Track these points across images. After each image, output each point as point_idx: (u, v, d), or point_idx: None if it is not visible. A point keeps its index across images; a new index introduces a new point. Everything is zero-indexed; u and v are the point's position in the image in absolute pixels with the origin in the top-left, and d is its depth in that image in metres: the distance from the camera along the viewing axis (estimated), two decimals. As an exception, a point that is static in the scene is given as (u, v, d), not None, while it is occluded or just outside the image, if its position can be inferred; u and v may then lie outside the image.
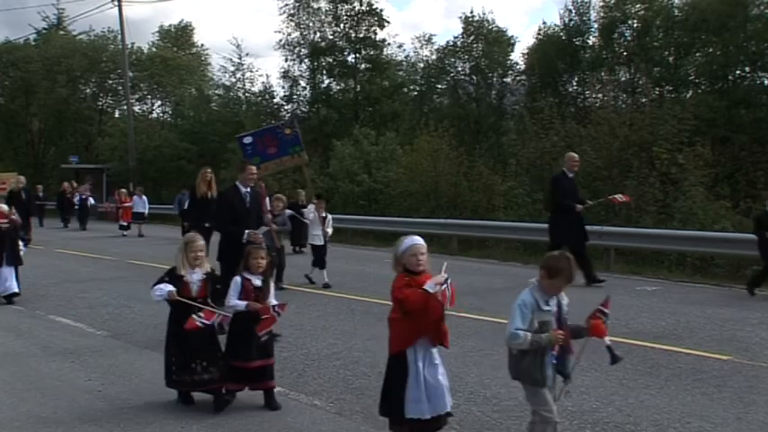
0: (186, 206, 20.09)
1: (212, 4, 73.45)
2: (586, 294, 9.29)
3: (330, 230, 11.88)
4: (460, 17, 32.52)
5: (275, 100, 32.76)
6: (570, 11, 28.11)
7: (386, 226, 19.16)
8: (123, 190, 24.58)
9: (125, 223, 22.83)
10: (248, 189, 7.92)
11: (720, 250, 12.80)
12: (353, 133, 25.25)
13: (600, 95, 23.03)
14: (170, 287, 5.30)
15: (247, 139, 10.25)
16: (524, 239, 16.44)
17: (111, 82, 41.19)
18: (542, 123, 19.88)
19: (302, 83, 32.37)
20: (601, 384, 5.90)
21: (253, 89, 33.61)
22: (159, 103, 42.69)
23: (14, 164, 39.23)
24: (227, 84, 35.00)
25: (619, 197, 12.78)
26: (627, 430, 4.91)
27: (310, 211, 11.79)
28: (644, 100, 21.34)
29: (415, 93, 33.17)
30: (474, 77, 31.66)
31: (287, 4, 31.65)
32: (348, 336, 7.83)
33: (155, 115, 42.16)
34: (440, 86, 32.80)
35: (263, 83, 33.85)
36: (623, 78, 26.99)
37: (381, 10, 30.72)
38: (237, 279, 5.40)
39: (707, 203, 16.12)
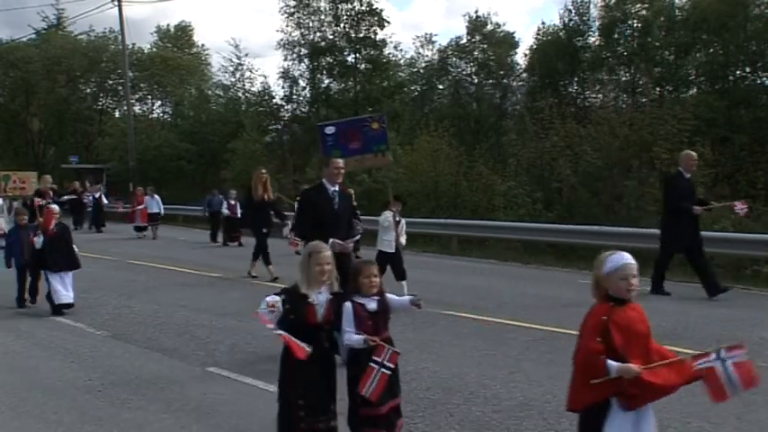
0: (221, 208, 19.42)
1: (213, 3, 73.47)
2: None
3: (404, 238, 10.40)
4: (464, 16, 32.58)
5: (275, 100, 32.75)
6: (570, 11, 28.11)
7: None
8: (140, 189, 22.82)
9: (142, 224, 21.60)
10: (336, 188, 6.72)
11: (720, 250, 12.79)
12: (353, 133, 25.21)
13: (601, 96, 23.02)
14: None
15: (329, 129, 9.14)
16: (524, 239, 16.44)
17: (111, 82, 41.17)
18: (542, 123, 19.87)
19: (302, 83, 32.39)
20: (601, 384, 5.89)
21: (252, 89, 33.62)
22: (159, 103, 42.71)
23: (14, 164, 39.21)
24: (227, 84, 35.01)
25: (738, 206, 11.22)
26: (627, 430, 4.90)
27: (388, 215, 10.16)
28: (644, 100, 21.34)
29: (416, 93, 33.16)
30: (475, 77, 31.65)
31: (287, 4, 31.69)
32: (348, 336, 7.81)
33: (155, 115, 42.16)
34: (440, 87, 32.79)
35: (261, 83, 33.76)
36: (624, 78, 26.98)
37: (381, 10, 30.73)
38: (348, 306, 4.23)
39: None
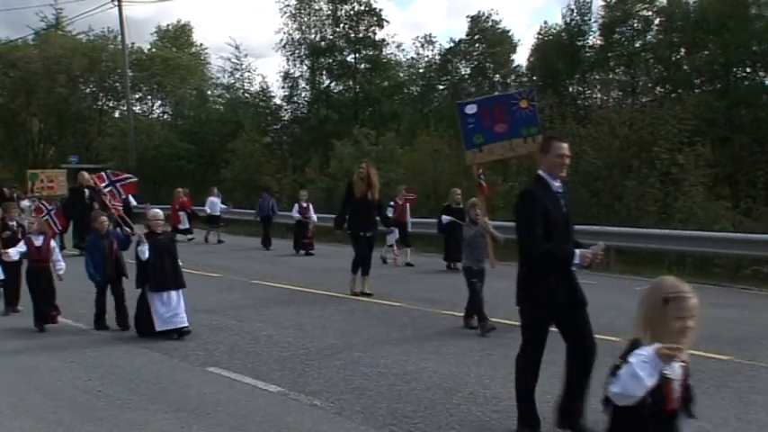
0: (271, 211, 18.21)
1: (213, 3, 73.44)
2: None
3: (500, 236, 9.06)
4: (468, 17, 32.54)
5: (275, 100, 32.78)
6: (572, 10, 28.10)
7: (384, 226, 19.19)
8: (181, 190, 20.87)
9: (188, 227, 19.63)
10: (559, 183, 4.80)
11: (720, 250, 12.80)
12: (353, 133, 25.24)
13: (601, 96, 23.01)
14: None
15: (470, 108, 7.59)
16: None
17: (111, 82, 41.19)
18: (542, 123, 19.84)
19: (302, 83, 32.40)
20: (601, 384, 5.88)
21: (251, 89, 33.62)
22: (159, 103, 42.73)
23: (14, 164, 39.27)
24: (226, 84, 35.02)
25: None
26: (627, 430, 4.90)
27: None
28: (644, 100, 21.34)
29: (416, 93, 33.15)
30: (475, 78, 31.63)
31: (287, 5, 31.71)
32: (348, 336, 7.82)
33: (155, 115, 42.17)
34: (441, 87, 32.78)
35: (261, 83, 33.78)
36: (624, 78, 26.98)
37: (381, 10, 30.75)
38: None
39: (707, 203, 16.12)
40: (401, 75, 32.96)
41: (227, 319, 8.76)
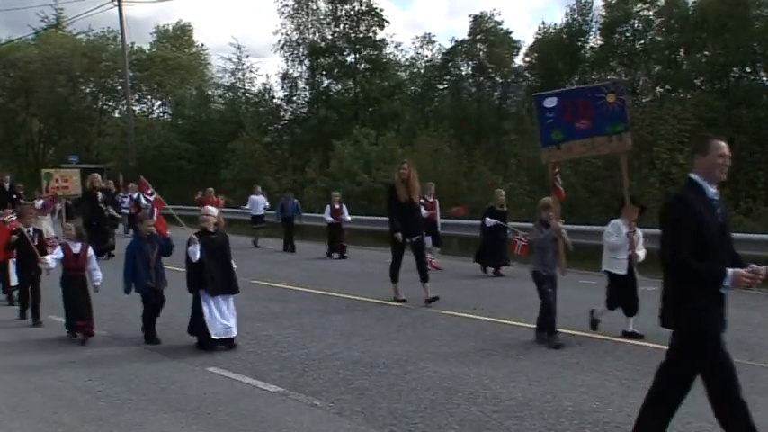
0: (294, 212, 17.33)
1: (214, 3, 73.46)
2: None
3: (642, 253, 7.44)
4: (470, 16, 32.54)
5: (275, 100, 32.78)
6: (574, 10, 28.09)
7: (386, 226, 19.07)
8: (211, 189, 19.67)
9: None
10: (715, 190, 4.17)
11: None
12: (353, 133, 25.25)
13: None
14: None
15: (550, 102, 6.97)
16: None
17: (111, 82, 41.20)
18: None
19: (301, 83, 32.41)
20: (601, 384, 5.90)
21: (252, 89, 33.64)
22: (159, 102, 42.73)
23: (14, 164, 39.24)
24: (227, 84, 35.04)
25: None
26: (627, 430, 4.90)
27: (619, 227, 7.58)
28: (644, 100, 21.34)
29: (416, 93, 33.16)
30: (477, 78, 31.63)
31: (286, 5, 31.71)
32: (348, 336, 7.83)
33: (155, 115, 42.18)
34: (441, 87, 32.78)
35: (262, 83, 33.84)
36: (624, 78, 26.97)
37: (381, 10, 30.74)
38: None
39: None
40: (401, 74, 32.98)
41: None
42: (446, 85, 32.06)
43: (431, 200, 13.70)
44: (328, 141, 27.03)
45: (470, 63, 31.19)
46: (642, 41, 26.39)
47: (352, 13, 30.68)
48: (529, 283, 11.68)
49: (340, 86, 31.97)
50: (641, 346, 7.07)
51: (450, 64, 31.46)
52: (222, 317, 7.17)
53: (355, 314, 9.13)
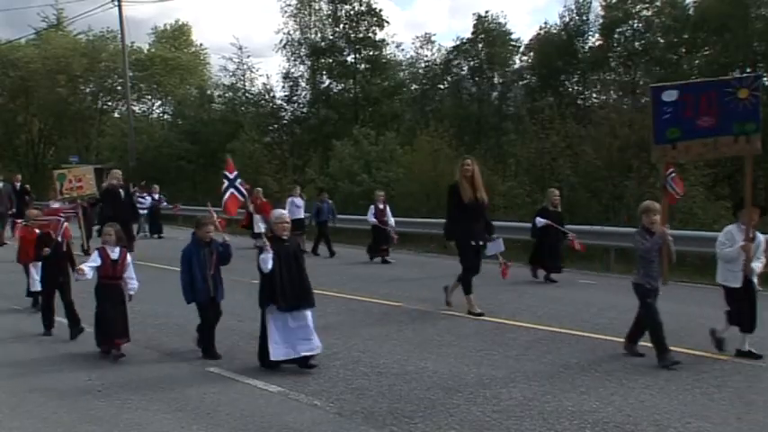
0: (329, 215, 15.87)
1: (215, 3, 73.46)
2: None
3: (760, 264, 6.73)
4: (474, 14, 32.57)
5: (275, 100, 32.79)
6: (571, 10, 28.09)
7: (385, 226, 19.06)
8: (259, 189, 18.56)
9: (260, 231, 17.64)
10: None
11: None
12: (353, 133, 25.26)
13: (603, 97, 23.03)
14: None
15: (669, 95, 6.24)
16: (524, 239, 16.41)
17: (111, 82, 41.21)
18: (542, 123, 19.90)
19: (302, 83, 32.42)
20: (601, 384, 5.90)
21: (252, 89, 33.65)
22: (159, 102, 42.75)
23: (14, 164, 39.24)
24: (228, 84, 35.05)
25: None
26: (627, 430, 4.91)
27: (732, 235, 6.73)
28: (644, 100, 21.34)
29: (416, 94, 33.17)
30: (477, 78, 31.64)
31: (288, 5, 31.73)
32: (348, 336, 7.83)
33: (154, 115, 42.20)
34: (441, 87, 32.79)
35: (263, 83, 33.85)
36: (624, 78, 26.98)
37: (380, 10, 30.76)
38: None
39: (707, 203, 16.12)
40: (401, 74, 32.98)
41: (228, 319, 8.72)
42: (446, 85, 32.07)
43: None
44: (328, 141, 27.05)
45: (471, 63, 31.20)
46: (642, 41, 26.38)
47: (352, 13, 30.70)
48: (529, 283, 11.66)
49: (340, 86, 31.99)
50: (641, 345, 7.06)
51: (453, 63, 31.47)
52: (298, 334, 6.32)
53: (355, 314, 9.13)
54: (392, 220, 14.96)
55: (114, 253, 7.21)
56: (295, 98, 32.40)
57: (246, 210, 16.21)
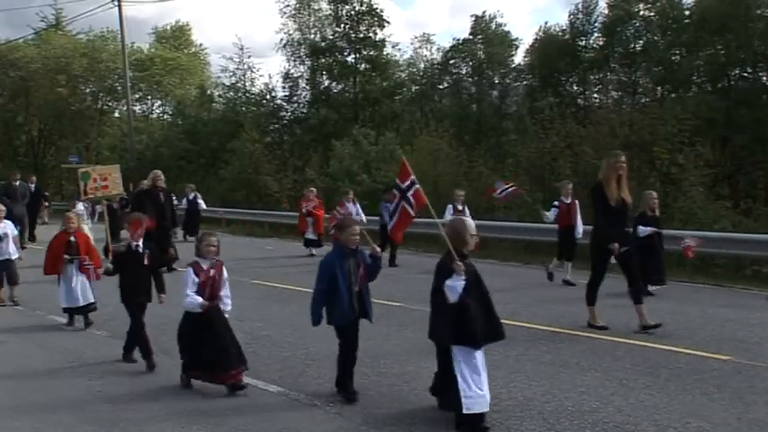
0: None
1: (216, 2, 73.45)
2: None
3: None
4: (472, 16, 32.59)
5: (276, 100, 32.79)
6: (579, 10, 28.08)
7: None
8: (313, 190, 16.94)
9: (314, 237, 15.58)
10: None
11: (720, 250, 12.79)
12: (353, 133, 25.26)
13: (602, 96, 23.04)
14: None
15: None
16: (524, 239, 16.43)
17: (111, 82, 41.21)
18: (542, 123, 19.91)
19: (302, 83, 32.42)
20: (601, 384, 5.90)
21: (253, 89, 33.65)
22: (159, 103, 42.74)
23: (14, 164, 39.23)
24: (229, 84, 35.06)
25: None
26: (627, 430, 4.91)
27: None
28: (644, 100, 21.37)
29: (415, 94, 33.18)
30: (476, 77, 31.65)
31: (288, 5, 31.74)
32: (348, 336, 7.81)
33: (154, 115, 42.20)
34: (441, 87, 32.81)
35: (264, 83, 33.80)
36: (624, 78, 27.00)
37: (381, 10, 30.77)
38: None
39: (707, 203, 16.12)
40: (401, 74, 32.99)
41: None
42: (446, 85, 32.09)
43: (567, 201, 11.52)
44: (328, 141, 27.04)
45: (469, 63, 31.22)
46: (642, 41, 26.40)
47: (352, 13, 30.70)
48: (529, 283, 11.65)
49: (340, 86, 32.00)
50: (641, 346, 7.07)
51: (452, 62, 31.48)
52: (484, 380, 4.93)
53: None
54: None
55: (209, 267, 6.02)
56: (295, 98, 32.41)
57: (301, 213, 15.69)
